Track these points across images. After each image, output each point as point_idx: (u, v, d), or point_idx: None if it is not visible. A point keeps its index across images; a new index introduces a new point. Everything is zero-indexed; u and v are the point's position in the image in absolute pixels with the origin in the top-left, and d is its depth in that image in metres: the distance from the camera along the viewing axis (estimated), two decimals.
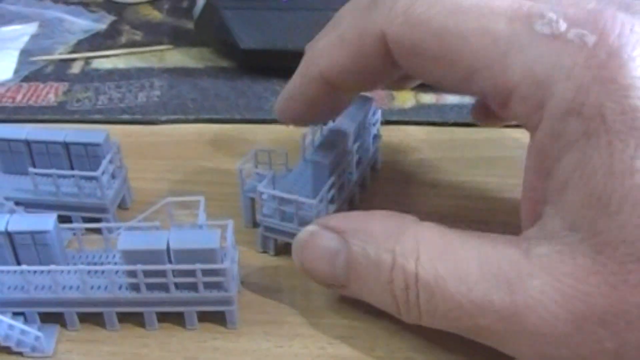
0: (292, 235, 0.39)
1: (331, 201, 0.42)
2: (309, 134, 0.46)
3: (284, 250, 0.42)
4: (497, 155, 0.50)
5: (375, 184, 0.48)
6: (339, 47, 0.37)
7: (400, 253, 0.34)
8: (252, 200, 0.44)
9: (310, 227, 0.37)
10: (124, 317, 0.38)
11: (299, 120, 0.42)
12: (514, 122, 0.36)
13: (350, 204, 0.45)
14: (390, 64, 0.35)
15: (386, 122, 0.52)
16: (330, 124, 0.45)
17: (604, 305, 0.29)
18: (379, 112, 0.48)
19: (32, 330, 0.37)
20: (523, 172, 0.34)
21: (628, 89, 0.29)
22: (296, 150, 0.45)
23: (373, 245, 0.35)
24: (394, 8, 0.34)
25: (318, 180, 0.41)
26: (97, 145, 0.43)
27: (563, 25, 0.30)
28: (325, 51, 0.37)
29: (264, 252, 0.43)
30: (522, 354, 0.32)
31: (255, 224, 0.44)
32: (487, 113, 0.43)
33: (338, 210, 0.42)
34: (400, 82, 0.46)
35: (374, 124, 0.47)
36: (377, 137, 0.48)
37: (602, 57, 0.29)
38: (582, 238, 0.30)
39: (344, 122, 0.44)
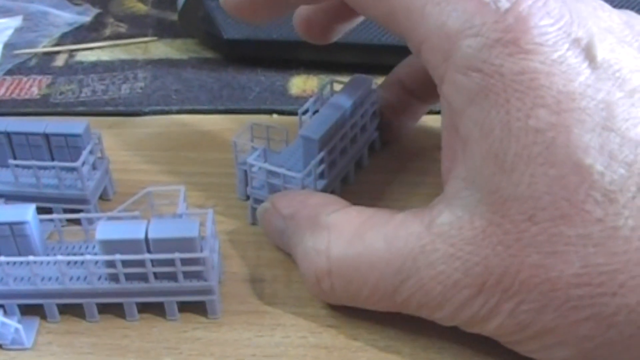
0: None
1: (321, 177, 0.42)
2: (309, 112, 0.46)
3: None
4: None
5: (372, 163, 0.48)
6: None
7: (311, 247, 0.36)
8: (246, 172, 0.44)
9: (265, 204, 0.41)
10: (104, 309, 0.38)
11: (238, 7, 0.41)
12: None
13: (344, 182, 0.46)
14: None
15: None
16: (328, 100, 0.45)
17: (500, 267, 0.31)
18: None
19: (12, 323, 0.36)
20: None
21: (529, 52, 0.30)
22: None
23: (296, 233, 0.38)
24: None
25: (308, 155, 0.42)
26: (77, 136, 0.43)
27: None
28: None
29: (254, 224, 0.44)
30: (436, 319, 0.35)
31: (249, 197, 0.44)
32: None
33: (328, 186, 0.43)
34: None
35: (372, 103, 0.46)
36: (375, 116, 0.47)
37: (509, 22, 0.30)
38: (480, 197, 0.31)
39: (340, 98, 0.44)
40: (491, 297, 0.32)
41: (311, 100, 0.47)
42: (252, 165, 0.42)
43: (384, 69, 0.55)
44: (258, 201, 0.42)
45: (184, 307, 0.38)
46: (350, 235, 0.35)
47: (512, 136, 0.30)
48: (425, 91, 0.46)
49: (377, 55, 0.55)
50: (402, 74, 0.47)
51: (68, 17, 0.69)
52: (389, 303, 0.35)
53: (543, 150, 0.30)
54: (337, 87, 0.48)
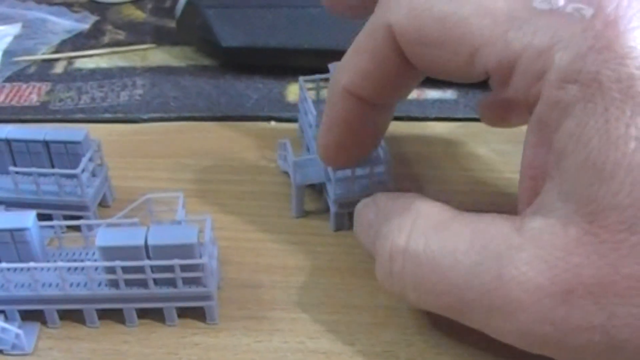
0: None
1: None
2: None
3: None
4: (478, 151, 0.50)
5: None
6: (354, 55, 0.37)
7: (395, 226, 0.35)
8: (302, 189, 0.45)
9: (366, 199, 0.40)
10: (104, 314, 0.39)
11: (345, 154, 0.41)
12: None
13: None
14: (405, 62, 0.36)
15: None
16: None
17: (593, 277, 0.29)
18: None
19: (12, 328, 0.37)
20: (522, 153, 0.34)
21: (624, 57, 0.29)
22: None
23: (384, 219, 0.36)
24: (398, 1, 0.34)
25: None
26: (77, 143, 0.43)
27: (561, 1, 0.31)
28: (344, 65, 0.38)
29: (338, 229, 0.44)
30: (504, 333, 0.32)
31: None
32: (496, 112, 0.44)
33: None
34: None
35: None
36: None
37: (598, 28, 0.29)
38: (576, 208, 0.30)
39: None
40: (579, 308, 0.29)
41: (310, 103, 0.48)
42: (334, 172, 0.43)
43: None
44: (344, 205, 0.43)
45: (183, 312, 0.38)
46: (436, 222, 0.34)
47: (610, 144, 0.29)
48: None
49: None
50: None
51: (67, 25, 0.69)
52: (454, 300, 0.33)
53: None
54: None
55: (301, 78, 0.49)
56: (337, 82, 0.38)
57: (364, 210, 0.39)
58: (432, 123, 0.53)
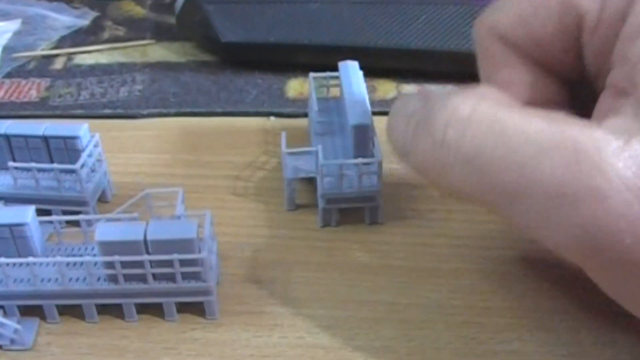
0: (356, 200, 0.43)
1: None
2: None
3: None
4: None
5: None
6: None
7: (460, 99, 0.32)
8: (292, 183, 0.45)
9: (404, 95, 0.37)
10: (103, 309, 0.38)
11: None
12: None
13: None
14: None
15: None
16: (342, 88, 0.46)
17: None
18: None
19: (11, 323, 0.37)
20: None
21: None
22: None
23: (440, 100, 0.32)
24: None
25: (361, 142, 0.43)
26: (76, 138, 0.43)
27: None
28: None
29: (326, 225, 0.44)
30: (565, 227, 0.29)
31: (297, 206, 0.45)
32: None
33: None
34: None
35: None
36: None
37: None
38: None
39: (350, 83, 0.46)
40: None
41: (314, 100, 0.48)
42: (322, 165, 0.42)
43: (382, 72, 0.56)
44: (331, 201, 0.43)
45: (183, 307, 0.38)
46: (506, 102, 0.32)
47: None
48: None
49: (374, 58, 0.56)
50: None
51: (66, 21, 0.69)
52: (514, 179, 0.29)
53: None
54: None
55: (311, 74, 0.49)
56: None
57: (405, 102, 0.36)
58: None
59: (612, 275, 0.30)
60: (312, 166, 0.44)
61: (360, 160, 0.42)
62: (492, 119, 0.30)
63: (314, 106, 0.48)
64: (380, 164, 0.42)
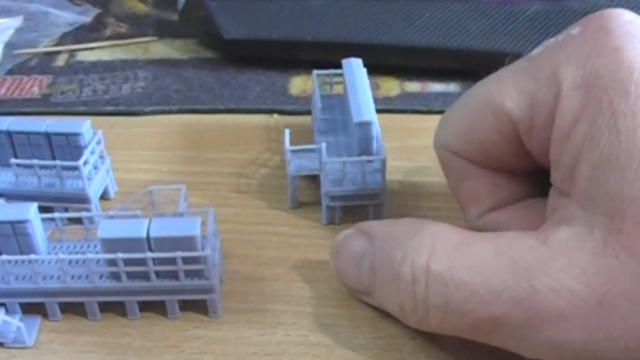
0: (359, 197, 0.43)
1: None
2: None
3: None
4: None
5: None
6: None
7: (413, 248, 0.33)
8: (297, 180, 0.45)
9: (347, 231, 0.38)
10: (105, 307, 0.38)
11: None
12: None
13: None
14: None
15: None
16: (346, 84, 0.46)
17: (626, 275, 0.28)
18: None
19: (13, 321, 0.37)
20: None
21: (619, 49, 0.30)
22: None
23: (391, 244, 0.35)
24: None
25: (365, 139, 0.43)
26: (78, 135, 0.43)
27: (551, 39, 0.33)
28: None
29: (330, 223, 0.44)
30: (537, 346, 0.31)
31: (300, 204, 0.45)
32: None
33: None
34: None
35: None
36: None
37: (589, 36, 0.31)
38: (597, 209, 0.29)
39: (353, 81, 0.46)
40: (613, 311, 0.28)
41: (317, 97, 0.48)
42: (325, 163, 0.42)
43: (386, 69, 0.55)
44: (335, 198, 0.43)
45: (185, 305, 0.38)
46: (455, 242, 0.33)
47: (621, 136, 0.29)
48: None
49: (377, 55, 0.55)
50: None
51: (69, 17, 0.69)
52: (482, 317, 0.31)
53: None
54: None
55: (315, 71, 0.49)
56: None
57: (350, 242, 0.38)
58: (436, 116, 0.53)
59: None
60: (316, 164, 0.44)
61: (364, 157, 0.42)
62: (448, 267, 0.32)
63: (317, 103, 0.48)
64: (384, 162, 0.42)
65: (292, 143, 0.44)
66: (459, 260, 0.32)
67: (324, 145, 0.43)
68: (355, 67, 0.47)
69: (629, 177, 0.29)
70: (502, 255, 0.31)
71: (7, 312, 0.38)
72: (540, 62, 0.33)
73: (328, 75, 0.50)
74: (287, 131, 0.45)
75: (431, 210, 0.45)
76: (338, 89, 0.50)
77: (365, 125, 0.43)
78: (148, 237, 0.36)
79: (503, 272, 0.30)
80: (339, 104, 0.49)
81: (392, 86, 0.56)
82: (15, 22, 0.69)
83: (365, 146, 0.43)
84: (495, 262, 0.31)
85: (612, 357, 0.29)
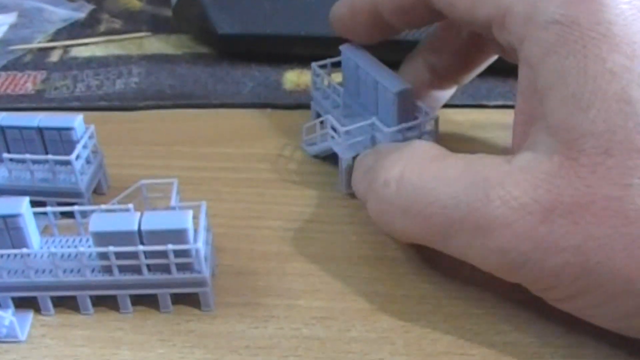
0: None
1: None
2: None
3: None
4: (479, 136, 0.50)
5: None
6: None
7: (393, 159, 0.37)
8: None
9: (364, 152, 0.43)
10: (98, 301, 0.38)
11: (342, 27, 0.46)
12: None
13: None
14: (425, 4, 0.40)
15: None
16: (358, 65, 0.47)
17: (572, 197, 0.31)
18: None
19: (6, 315, 0.37)
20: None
21: (605, 5, 0.32)
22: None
23: (383, 157, 0.39)
24: None
25: (403, 108, 0.44)
26: (71, 129, 0.43)
27: None
28: None
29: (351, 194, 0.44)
30: (486, 253, 0.34)
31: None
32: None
33: None
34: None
35: None
36: None
37: None
38: (558, 138, 0.32)
39: (363, 59, 0.47)
40: (558, 227, 0.31)
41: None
42: (387, 134, 0.43)
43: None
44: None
45: (178, 299, 0.38)
46: (432, 156, 0.37)
47: (588, 78, 0.31)
48: (449, 69, 0.47)
49: (372, 49, 0.55)
50: (428, 54, 0.47)
51: (63, 14, 0.69)
52: (441, 221, 0.35)
53: (619, 89, 0.31)
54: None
55: (313, 64, 0.49)
56: None
57: (364, 158, 0.42)
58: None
59: (538, 291, 0.35)
60: (367, 141, 0.44)
61: (418, 121, 0.44)
62: (418, 175, 0.36)
63: (329, 92, 0.49)
64: (437, 121, 0.45)
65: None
66: (430, 170, 0.36)
67: (375, 119, 0.44)
68: (357, 49, 0.47)
69: (590, 116, 0.31)
70: (469, 168, 0.35)
71: (0, 306, 0.38)
72: None
73: (325, 65, 0.49)
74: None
75: None
76: (337, 78, 0.50)
77: (404, 93, 0.43)
78: (139, 231, 0.36)
79: (465, 181, 0.34)
80: (346, 91, 0.48)
81: None
82: (10, 18, 0.69)
83: (405, 115, 0.44)
84: (461, 172, 0.35)
85: (551, 270, 0.32)
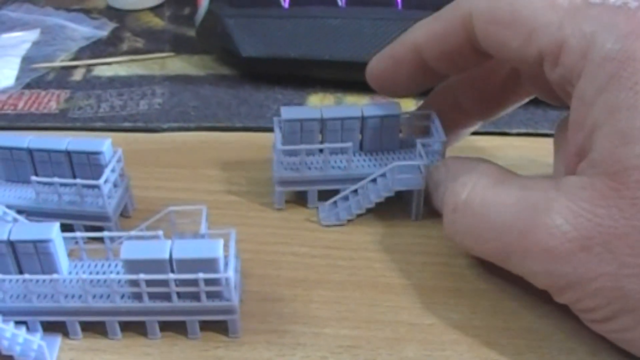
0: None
1: None
2: None
3: None
4: (502, 163, 0.50)
5: None
6: (432, 22, 0.43)
7: (461, 182, 0.39)
8: None
9: (438, 163, 0.45)
10: (126, 326, 0.38)
11: (384, 81, 0.46)
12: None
13: None
14: (472, 47, 0.41)
15: None
16: None
17: (610, 227, 0.33)
18: None
19: (35, 339, 0.37)
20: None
21: None
22: None
23: (452, 177, 0.41)
24: None
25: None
26: (99, 153, 0.43)
27: None
28: (422, 24, 0.43)
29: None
30: (535, 274, 0.36)
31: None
32: None
33: None
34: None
35: None
36: None
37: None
38: (603, 168, 0.34)
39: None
40: (595, 255, 0.33)
41: None
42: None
43: None
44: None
45: (205, 325, 0.38)
46: (494, 181, 0.38)
47: (637, 114, 0.33)
48: (477, 107, 0.48)
49: None
50: (455, 89, 0.48)
51: (85, 31, 0.70)
52: (498, 245, 0.37)
53: None
54: None
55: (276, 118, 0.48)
56: (410, 33, 0.44)
57: (435, 172, 0.44)
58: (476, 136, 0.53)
59: (579, 312, 0.37)
60: (416, 178, 0.45)
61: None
62: (480, 201, 0.38)
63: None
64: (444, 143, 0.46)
65: None
66: (490, 196, 0.38)
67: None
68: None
69: (636, 151, 0.32)
70: (521, 194, 0.37)
71: (29, 330, 0.38)
72: (582, 12, 0.35)
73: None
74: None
75: None
76: None
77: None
78: (170, 259, 0.36)
79: (517, 209, 0.36)
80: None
81: (408, 105, 0.56)
82: (32, 35, 0.69)
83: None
84: (514, 199, 0.37)
85: (589, 293, 0.34)
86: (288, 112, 0.46)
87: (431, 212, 0.45)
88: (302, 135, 0.46)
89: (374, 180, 0.45)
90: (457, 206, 0.39)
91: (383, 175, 0.45)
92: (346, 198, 0.46)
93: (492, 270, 0.42)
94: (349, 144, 0.45)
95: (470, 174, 0.39)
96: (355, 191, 0.46)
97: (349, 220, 0.46)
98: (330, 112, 0.46)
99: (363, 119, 0.46)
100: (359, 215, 0.46)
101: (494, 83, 0.46)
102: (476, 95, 0.47)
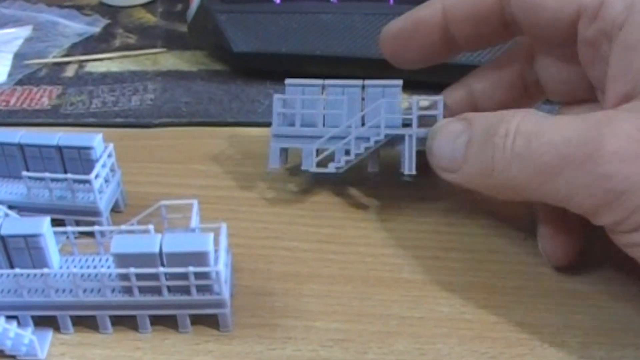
0: None
1: None
2: None
3: None
4: None
5: None
6: None
7: (509, 114, 0.38)
8: None
9: (445, 119, 0.43)
10: (117, 320, 0.39)
11: (398, 44, 0.46)
12: None
13: None
14: (501, 14, 0.42)
15: None
16: None
17: None
18: None
19: (26, 334, 0.37)
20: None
21: None
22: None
23: (490, 118, 0.39)
24: None
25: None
26: (90, 148, 0.43)
27: None
28: None
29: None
30: (585, 184, 0.35)
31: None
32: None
33: None
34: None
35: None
36: None
37: None
38: None
39: None
40: None
41: None
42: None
43: None
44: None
45: (196, 319, 0.39)
46: (545, 114, 0.38)
47: None
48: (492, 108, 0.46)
49: (387, 70, 0.55)
50: (473, 87, 0.47)
51: (78, 28, 0.69)
52: (553, 156, 0.36)
53: None
54: None
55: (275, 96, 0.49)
56: None
57: (449, 124, 0.41)
58: None
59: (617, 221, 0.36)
60: None
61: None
62: (534, 124, 0.37)
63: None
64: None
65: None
66: (544, 123, 0.37)
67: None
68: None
69: None
70: (580, 117, 0.36)
71: (20, 324, 0.38)
72: None
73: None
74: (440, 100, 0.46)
75: (440, 226, 0.45)
76: None
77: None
78: (160, 253, 0.36)
79: (578, 125, 0.36)
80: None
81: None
82: (25, 32, 0.69)
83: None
84: (573, 120, 0.36)
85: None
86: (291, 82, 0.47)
87: (421, 201, 0.45)
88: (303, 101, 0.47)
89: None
90: (509, 132, 0.38)
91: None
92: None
93: (482, 265, 0.42)
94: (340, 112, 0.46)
95: (508, 114, 0.39)
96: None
97: (337, 169, 0.45)
98: (331, 81, 0.47)
99: (364, 87, 0.47)
100: (348, 163, 0.45)
101: (509, 85, 0.46)
102: (492, 94, 0.47)
